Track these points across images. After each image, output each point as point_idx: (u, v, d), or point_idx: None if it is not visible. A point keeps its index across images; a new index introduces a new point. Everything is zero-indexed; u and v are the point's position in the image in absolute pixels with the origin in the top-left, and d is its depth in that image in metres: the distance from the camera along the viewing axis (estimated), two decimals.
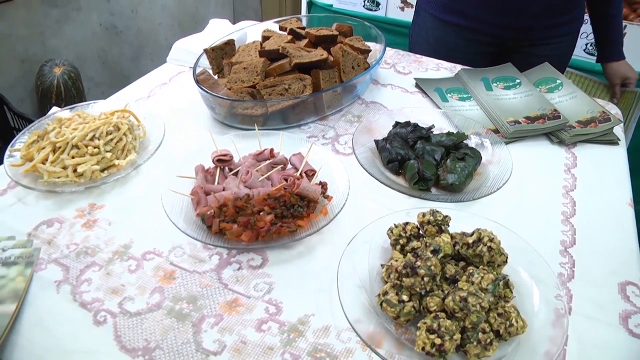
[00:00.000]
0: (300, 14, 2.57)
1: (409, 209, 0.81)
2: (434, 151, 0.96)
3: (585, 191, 0.96)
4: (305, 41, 1.21)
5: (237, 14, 3.29)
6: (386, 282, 0.69)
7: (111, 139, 0.94)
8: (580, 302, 0.74)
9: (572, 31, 1.46)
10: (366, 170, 0.93)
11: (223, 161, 0.90)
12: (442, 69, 1.38)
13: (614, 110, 1.23)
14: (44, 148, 0.91)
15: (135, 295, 0.72)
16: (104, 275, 0.75)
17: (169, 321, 0.69)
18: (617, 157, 1.06)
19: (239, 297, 0.73)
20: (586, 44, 1.93)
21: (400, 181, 0.94)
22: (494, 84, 1.24)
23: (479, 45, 1.45)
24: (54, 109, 1.10)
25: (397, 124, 1.05)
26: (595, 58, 1.58)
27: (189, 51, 1.34)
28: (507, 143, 1.04)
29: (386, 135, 1.03)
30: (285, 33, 1.27)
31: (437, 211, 0.76)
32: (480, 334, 0.63)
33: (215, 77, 1.20)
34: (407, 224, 0.75)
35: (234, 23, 1.54)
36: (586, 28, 1.58)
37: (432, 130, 1.04)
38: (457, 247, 0.72)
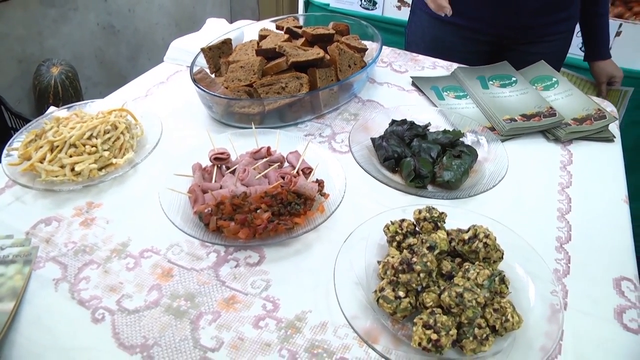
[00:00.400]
0: (297, 12, 2.58)
1: (406, 206, 0.82)
2: (430, 149, 0.96)
3: (581, 188, 0.96)
4: (301, 40, 1.21)
5: (234, 13, 3.29)
6: (383, 279, 0.70)
7: (109, 138, 0.94)
8: (575, 297, 0.75)
9: (568, 29, 1.47)
10: (363, 168, 0.93)
11: (220, 159, 0.90)
12: (438, 67, 1.39)
13: (609, 107, 1.23)
14: (41, 147, 0.91)
15: (133, 293, 0.73)
16: (102, 273, 0.76)
17: (166, 318, 0.69)
18: (612, 154, 1.07)
19: (237, 294, 0.73)
20: (582, 42, 1.94)
21: (397, 179, 0.95)
22: (490, 82, 1.24)
23: (475, 43, 1.46)
24: (52, 108, 1.11)
25: (393, 122, 1.05)
26: None
27: (186, 50, 1.34)
28: (503, 140, 1.04)
29: (383, 133, 1.03)
30: (282, 32, 1.27)
31: (433, 208, 0.77)
32: (476, 329, 0.63)
33: (213, 76, 1.20)
34: (403, 220, 0.76)
35: (231, 22, 1.55)
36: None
37: (428, 128, 1.04)
38: (453, 244, 0.73)
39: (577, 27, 1.51)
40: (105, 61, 2.49)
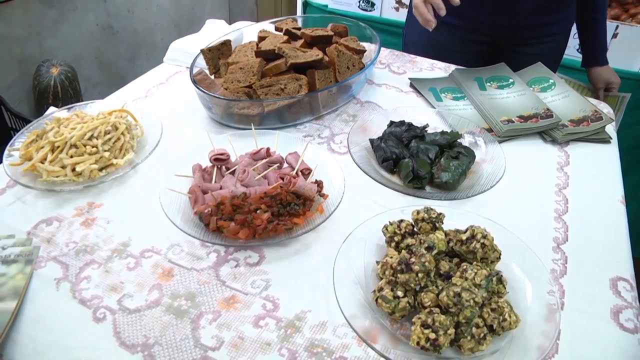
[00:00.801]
0: (295, 14, 2.58)
1: (404, 207, 0.82)
2: (428, 150, 0.97)
3: (578, 189, 0.97)
4: (300, 41, 1.22)
5: (233, 14, 3.30)
6: (381, 279, 0.71)
7: (109, 139, 0.95)
8: (572, 297, 0.75)
9: (564, 30, 1.47)
10: (361, 169, 0.94)
11: (220, 160, 0.91)
12: (436, 68, 1.39)
13: (606, 109, 1.24)
14: (42, 147, 0.92)
15: (134, 293, 0.73)
16: (103, 272, 0.76)
17: (167, 318, 0.70)
18: (609, 155, 1.08)
19: (237, 294, 0.74)
20: (579, 44, 1.95)
21: (395, 179, 0.96)
22: (488, 84, 1.25)
23: (472, 44, 1.47)
24: (51, 109, 1.11)
25: (391, 123, 1.06)
26: None
27: (185, 51, 1.35)
28: (500, 142, 1.05)
29: (381, 135, 1.04)
30: (281, 33, 1.28)
31: (431, 209, 0.78)
32: (474, 328, 0.64)
33: (212, 77, 1.21)
34: (401, 221, 0.77)
35: (230, 24, 1.55)
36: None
37: (426, 129, 1.05)
38: (451, 244, 0.73)
39: (574, 29, 1.52)
40: (105, 62, 2.49)
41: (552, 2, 1.38)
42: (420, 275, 0.66)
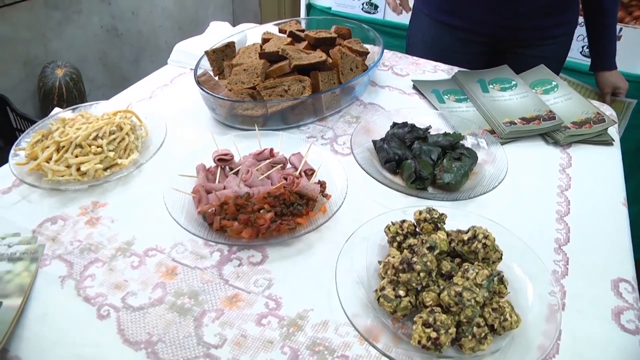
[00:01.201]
0: (299, 16, 2.59)
1: (406, 207, 0.83)
2: (431, 151, 0.97)
3: (580, 190, 0.98)
4: (304, 43, 1.23)
5: (237, 16, 3.31)
6: (383, 278, 0.71)
7: (114, 139, 0.96)
8: (573, 298, 0.76)
9: (566, 33, 1.48)
10: (364, 170, 0.94)
11: (224, 160, 0.91)
12: (439, 70, 1.40)
13: (608, 111, 1.24)
14: (48, 147, 0.93)
15: (138, 291, 0.74)
16: (107, 271, 0.77)
17: (171, 315, 0.70)
18: (611, 157, 1.08)
19: (240, 293, 0.74)
20: (582, 47, 1.95)
21: (398, 180, 0.96)
22: (490, 86, 1.26)
23: (474, 45, 1.47)
24: (56, 109, 1.12)
25: (394, 124, 1.06)
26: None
27: (190, 53, 1.36)
28: (502, 143, 1.06)
29: (384, 136, 1.04)
30: (285, 35, 1.28)
31: (434, 209, 0.78)
32: (475, 328, 0.64)
33: (216, 78, 1.21)
34: (404, 221, 0.77)
35: (233, 26, 1.56)
36: (582, 30, 1.61)
37: (429, 130, 1.06)
38: (452, 244, 0.74)
39: (577, 32, 1.52)
40: (109, 64, 2.50)
41: (552, 4, 1.38)
42: (421, 274, 0.67)
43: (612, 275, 0.80)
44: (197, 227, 0.81)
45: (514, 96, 1.22)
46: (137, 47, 2.64)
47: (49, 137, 0.95)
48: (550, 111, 1.13)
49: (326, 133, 1.11)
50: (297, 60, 1.11)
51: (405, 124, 1.05)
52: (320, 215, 0.83)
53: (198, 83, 1.09)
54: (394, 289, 0.68)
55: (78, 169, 0.91)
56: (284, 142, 0.98)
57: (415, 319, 0.65)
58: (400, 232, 0.76)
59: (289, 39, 1.24)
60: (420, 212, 0.78)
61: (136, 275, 0.76)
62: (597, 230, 0.89)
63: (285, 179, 0.87)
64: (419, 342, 0.63)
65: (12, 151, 0.95)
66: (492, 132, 1.11)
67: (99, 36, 2.41)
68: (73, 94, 2.12)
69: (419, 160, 0.95)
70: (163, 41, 2.77)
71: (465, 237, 0.72)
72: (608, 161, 1.07)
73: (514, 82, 1.26)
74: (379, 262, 0.75)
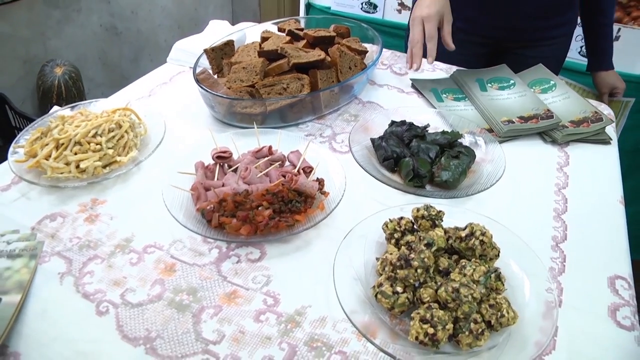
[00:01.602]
0: (298, 15, 2.60)
1: (404, 204, 0.83)
2: (429, 149, 0.98)
3: (577, 189, 0.98)
4: (303, 42, 1.23)
5: (236, 15, 3.31)
6: (381, 275, 0.71)
7: (113, 136, 0.96)
8: (570, 294, 0.76)
9: (565, 34, 1.48)
10: (362, 168, 0.95)
11: (223, 158, 0.92)
12: (437, 69, 1.40)
13: (606, 110, 1.25)
14: (47, 144, 0.93)
15: (137, 287, 0.74)
16: (106, 267, 0.77)
17: (169, 312, 0.71)
18: (609, 155, 1.09)
19: (238, 289, 0.75)
20: (581, 47, 1.96)
21: (396, 178, 0.96)
22: (489, 85, 1.26)
23: (473, 46, 1.48)
24: (55, 108, 1.12)
25: (392, 123, 1.07)
26: None
27: (189, 51, 1.36)
28: (500, 142, 1.06)
29: (382, 134, 1.05)
30: (284, 34, 1.29)
31: (431, 206, 0.78)
32: (472, 324, 0.65)
33: (215, 76, 1.22)
34: (401, 218, 0.77)
35: (232, 24, 1.56)
36: (580, 30, 1.61)
37: (427, 129, 1.06)
38: (450, 241, 0.74)
39: (576, 32, 1.53)
40: (108, 62, 2.51)
41: (551, 6, 1.39)
42: (419, 271, 0.67)
43: (608, 272, 0.80)
44: (195, 224, 0.81)
45: (512, 95, 1.22)
46: (136, 46, 2.64)
47: (48, 134, 0.95)
48: (548, 110, 1.14)
49: (325, 131, 1.11)
50: (296, 59, 1.12)
51: (403, 123, 1.06)
52: (319, 213, 0.83)
53: (197, 81, 1.09)
54: (391, 285, 0.68)
55: (77, 166, 0.91)
56: (283, 140, 0.98)
57: (412, 315, 0.65)
58: (398, 229, 0.76)
59: (288, 38, 1.25)
60: (418, 210, 0.78)
61: (135, 271, 0.77)
62: (594, 228, 0.89)
63: (284, 176, 0.87)
64: (417, 338, 0.63)
65: (11, 148, 0.95)
66: (490, 130, 1.11)
67: (98, 35, 2.42)
68: (72, 93, 2.12)
69: (417, 158, 0.96)
70: (162, 40, 2.78)
71: (463, 234, 0.73)
72: (605, 160, 1.07)
73: (512, 81, 1.27)
74: (377, 259, 0.75)
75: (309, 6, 2.55)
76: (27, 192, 0.91)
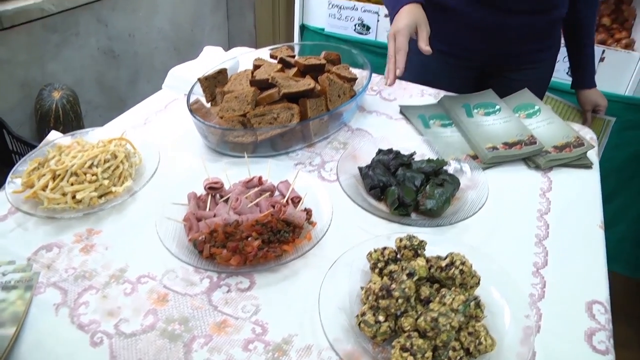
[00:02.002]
0: (293, 36, 2.65)
1: (390, 233, 0.86)
2: (414, 178, 1.01)
3: (559, 214, 1.01)
4: (294, 70, 1.27)
5: (232, 37, 3.36)
6: (365, 304, 0.74)
7: (109, 167, 0.99)
8: (549, 320, 0.79)
9: (550, 57, 1.53)
10: (349, 197, 0.98)
11: (214, 189, 0.95)
12: (426, 95, 1.44)
13: (588, 135, 1.28)
14: (44, 175, 0.96)
15: (130, 317, 0.77)
16: (100, 298, 0.80)
17: (161, 342, 0.73)
18: (590, 180, 1.12)
19: (228, 318, 0.77)
20: (568, 67, 2.00)
21: (382, 207, 0.99)
22: (475, 111, 1.30)
23: (461, 70, 1.52)
24: (53, 132, 1.15)
25: (380, 151, 1.10)
26: None
27: (183, 78, 1.39)
28: (484, 168, 1.09)
29: (369, 162, 1.08)
30: (276, 62, 1.32)
31: (414, 236, 0.81)
32: (450, 351, 0.67)
33: (208, 105, 1.25)
34: (385, 248, 0.80)
35: (228, 45, 1.60)
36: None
37: (413, 157, 1.09)
38: (432, 270, 0.77)
39: (563, 53, 1.57)
40: (105, 85, 2.54)
41: (538, 30, 1.43)
42: (400, 300, 0.70)
43: (587, 297, 0.83)
44: (187, 254, 0.84)
45: (497, 121, 1.25)
46: (133, 69, 2.68)
47: (45, 165, 0.98)
48: (532, 136, 1.17)
49: (314, 159, 1.14)
50: (286, 88, 1.15)
51: (390, 151, 1.09)
52: (306, 242, 0.86)
53: (190, 111, 1.12)
54: (374, 315, 0.71)
55: (73, 197, 0.94)
56: (273, 169, 1.01)
57: (393, 343, 0.68)
58: (382, 258, 0.79)
59: (279, 66, 1.28)
60: (401, 240, 0.81)
61: (129, 302, 0.79)
62: (574, 253, 0.92)
63: (273, 206, 0.90)
64: None
65: (8, 179, 0.98)
66: (476, 157, 1.14)
67: (96, 58, 2.46)
68: (70, 117, 2.16)
69: (403, 187, 0.99)
70: (159, 62, 2.82)
71: (443, 264, 0.75)
72: (586, 185, 1.10)
73: (497, 107, 1.30)
74: (361, 288, 0.78)
75: (303, 27, 2.60)
76: (24, 222, 0.94)
